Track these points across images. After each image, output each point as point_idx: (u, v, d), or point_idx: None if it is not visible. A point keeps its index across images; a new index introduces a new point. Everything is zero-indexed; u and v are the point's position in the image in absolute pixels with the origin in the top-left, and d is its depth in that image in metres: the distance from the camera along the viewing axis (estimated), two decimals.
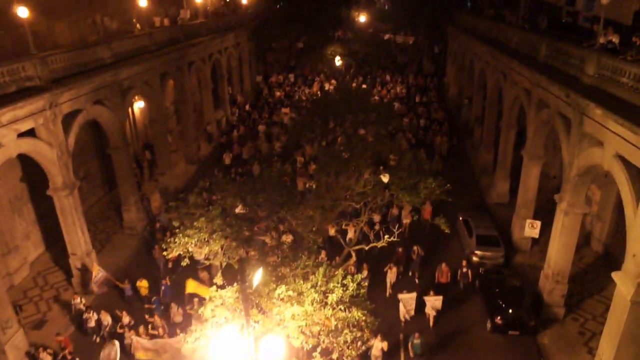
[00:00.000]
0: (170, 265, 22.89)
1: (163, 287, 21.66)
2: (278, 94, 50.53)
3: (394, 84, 52.01)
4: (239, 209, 19.33)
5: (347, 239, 22.40)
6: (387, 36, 68.81)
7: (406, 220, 25.82)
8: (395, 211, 26.17)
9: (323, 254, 22.17)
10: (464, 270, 22.62)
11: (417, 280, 23.33)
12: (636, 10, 24.19)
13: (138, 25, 33.43)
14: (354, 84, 45.38)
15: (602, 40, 19.10)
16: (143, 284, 21.85)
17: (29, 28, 20.86)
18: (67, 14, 29.03)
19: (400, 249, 23.36)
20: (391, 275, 22.34)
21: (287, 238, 21.72)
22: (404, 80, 53.61)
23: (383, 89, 49.60)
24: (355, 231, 21.83)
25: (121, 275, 22.69)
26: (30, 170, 23.10)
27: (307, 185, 27.16)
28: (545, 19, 28.44)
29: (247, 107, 46.73)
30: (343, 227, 22.26)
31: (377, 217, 24.70)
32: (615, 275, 15.44)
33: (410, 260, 23.90)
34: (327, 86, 49.24)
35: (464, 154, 37.59)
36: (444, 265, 22.66)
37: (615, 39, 19.16)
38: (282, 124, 40.57)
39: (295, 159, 32.19)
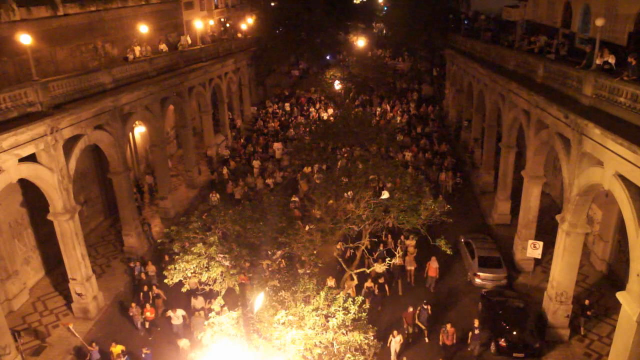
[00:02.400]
0: (147, 325, 21.50)
1: (144, 356, 19.06)
2: (272, 124, 48.20)
3: (394, 113, 50.16)
4: None
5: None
6: (385, 60, 69.30)
7: (410, 267, 24.63)
8: (398, 261, 23.43)
9: (331, 282, 22.01)
10: (476, 332, 19.62)
11: (426, 339, 20.99)
12: (630, 32, 24.56)
13: (131, 56, 33.28)
14: (354, 110, 43.54)
15: (598, 61, 19.29)
16: (117, 350, 19.01)
17: (31, 55, 21.12)
18: (69, 40, 29.44)
19: (410, 309, 20.76)
20: (395, 344, 19.57)
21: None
22: (404, 110, 51.90)
23: (382, 120, 46.69)
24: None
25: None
26: (31, 195, 23.14)
27: (306, 229, 24.21)
28: (566, 45, 27.94)
29: (242, 140, 44.36)
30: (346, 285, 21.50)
31: (380, 269, 22.60)
32: (619, 295, 15.32)
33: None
34: (325, 115, 47.69)
35: (468, 188, 35.60)
36: (449, 326, 19.76)
37: (612, 60, 19.36)
38: (276, 160, 39.17)
39: (289, 201, 29.23)
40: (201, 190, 35.32)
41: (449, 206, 20.35)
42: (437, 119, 49.46)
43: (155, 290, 22.76)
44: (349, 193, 20.64)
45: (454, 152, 40.57)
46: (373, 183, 21.20)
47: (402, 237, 25.14)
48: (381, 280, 22.69)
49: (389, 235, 25.89)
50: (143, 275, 24.03)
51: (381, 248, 24.64)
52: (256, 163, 37.66)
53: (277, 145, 40.77)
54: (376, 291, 22.45)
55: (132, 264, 25.22)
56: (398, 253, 22.39)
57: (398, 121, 46.50)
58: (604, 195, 21.60)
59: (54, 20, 27.89)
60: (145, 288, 22.92)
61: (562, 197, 20.44)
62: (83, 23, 30.67)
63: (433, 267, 23.89)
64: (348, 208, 20.09)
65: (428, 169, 35.81)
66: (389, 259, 20.92)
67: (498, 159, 30.64)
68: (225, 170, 36.50)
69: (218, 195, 31.19)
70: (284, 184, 34.36)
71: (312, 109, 51.90)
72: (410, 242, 25.00)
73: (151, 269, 24.45)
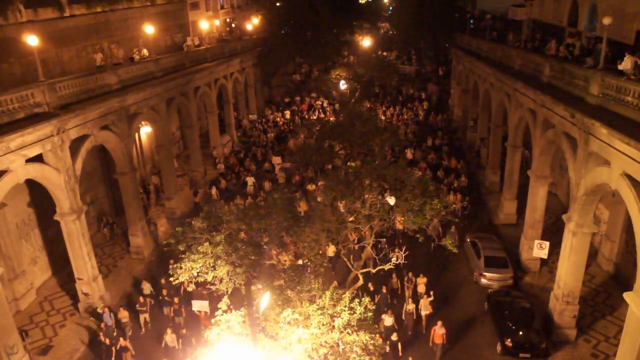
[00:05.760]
0: None
1: None
2: (271, 135, 45.43)
3: (400, 121, 47.52)
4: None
5: None
6: (391, 58, 68.89)
7: (425, 312, 21.49)
8: (410, 307, 21.27)
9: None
10: None
11: None
12: (638, 30, 24.38)
13: (138, 54, 33.03)
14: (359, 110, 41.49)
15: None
16: None
17: (38, 56, 21.23)
18: (75, 41, 29.58)
19: None
20: None
21: (287, 257, 19.41)
22: (411, 118, 49.19)
23: (387, 128, 40.66)
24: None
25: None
26: (38, 196, 23.23)
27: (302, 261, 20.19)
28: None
29: (241, 154, 41.29)
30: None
31: (390, 319, 20.50)
32: (627, 295, 15.23)
33: None
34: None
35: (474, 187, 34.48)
36: None
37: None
38: (273, 179, 35.60)
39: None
40: (212, 182, 35.18)
41: (454, 205, 20.23)
42: (446, 129, 46.55)
43: (122, 342, 19.61)
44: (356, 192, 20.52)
45: (467, 169, 36.91)
46: (375, 191, 20.46)
47: (409, 275, 23.04)
48: (394, 338, 19.43)
49: (394, 274, 23.11)
50: (103, 325, 20.42)
51: (384, 291, 22.14)
52: (250, 180, 34.23)
53: (276, 160, 37.26)
54: (387, 349, 18.97)
55: (99, 310, 21.59)
56: (407, 294, 21.24)
57: (402, 131, 43.36)
58: (611, 194, 21.46)
59: (61, 22, 28.03)
60: (108, 341, 19.80)
61: (569, 196, 20.35)
62: (89, 24, 30.82)
63: (439, 333, 19.83)
64: (354, 207, 20.01)
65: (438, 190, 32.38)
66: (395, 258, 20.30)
67: (504, 159, 30.50)
68: (214, 191, 32.98)
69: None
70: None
71: (313, 117, 49.11)
72: (421, 280, 22.88)
73: (123, 315, 21.39)
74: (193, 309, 20.75)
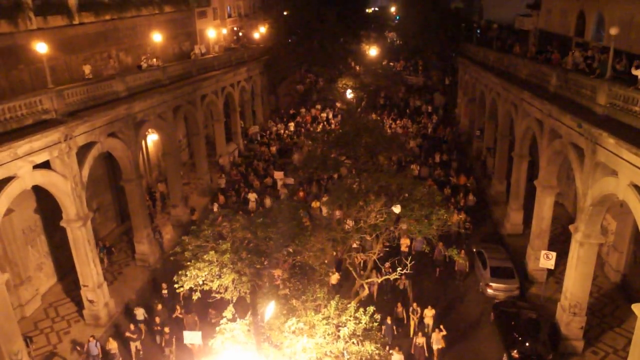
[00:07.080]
0: None
1: None
2: (273, 149, 43.78)
3: (406, 133, 45.82)
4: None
5: None
6: (398, 69, 69.07)
7: (438, 347, 20.31)
8: (420, 340, 20.18)
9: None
10: None
11: None
12: None
13: (146, 62, 32.96)
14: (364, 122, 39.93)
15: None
16: None
17: (47, 63, 21.40)
18: (84, 49, 29.79)
19: None
20: None
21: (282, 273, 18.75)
22: (420, 131, 47.87)
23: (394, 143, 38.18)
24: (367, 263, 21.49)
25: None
26: (44, 202, 23.33)
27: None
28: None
29: (242, 168, 39.87)
30: None
31: (398, 356, 19.12)
32: (635, 307, 15.10)
33: None
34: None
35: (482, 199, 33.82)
36: None
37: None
38: (274, 195, 33.93)
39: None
40: (213, 198, 35.30)
41: (460, 216, 20.13)
42: (454, 142, 45.46)
43: None
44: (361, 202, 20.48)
45: (476, 186, 35.26)
46: (381, 200, 20.16)
47: (414, 305, 22.14)
48: None
49: (399, 303, 22.49)
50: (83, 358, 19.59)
51: (389, 321, 20.97)
52: (252, 196, 33.15)
53: (278, 175, 35.64)
54: None
55: (90, 339, 20.07)
56: (413, 325, 20.76)
57: (410, 145, 41.97)
58: (618, 205, 21.33)
59: (70, 29, 28.25)
60: None
61: (576, 207, 20.23)
62: (98, 32, 31.04)
63: None
64: (359, 216, 19.96)
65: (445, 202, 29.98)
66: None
67: (511, 169, 30.36)
68: (216, 207, 31.34)
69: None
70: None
71: (318, 129, 47.33)
72: (429, 312, 21.61)
73: (112, 346, 19.99)
74: (185, 341, 19.45)
